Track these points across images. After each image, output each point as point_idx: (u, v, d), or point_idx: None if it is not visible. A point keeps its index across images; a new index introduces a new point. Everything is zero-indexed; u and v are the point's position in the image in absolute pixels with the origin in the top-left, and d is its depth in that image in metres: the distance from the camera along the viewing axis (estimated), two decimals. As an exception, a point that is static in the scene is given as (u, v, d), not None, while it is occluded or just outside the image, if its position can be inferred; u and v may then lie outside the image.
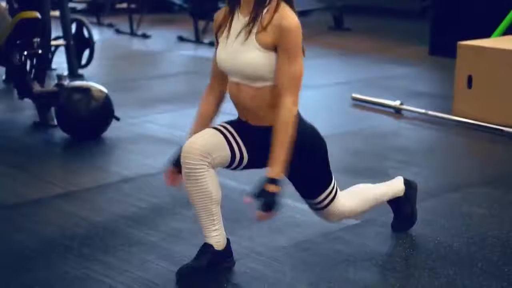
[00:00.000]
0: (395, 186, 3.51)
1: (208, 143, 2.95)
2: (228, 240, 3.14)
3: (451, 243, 3.46)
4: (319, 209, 3.25)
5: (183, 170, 2.97)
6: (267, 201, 2.87)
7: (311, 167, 3.12)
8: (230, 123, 3.10)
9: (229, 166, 3.08)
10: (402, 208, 3.55)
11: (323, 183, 3.18)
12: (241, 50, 2.92)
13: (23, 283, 3.04)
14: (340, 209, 3.27)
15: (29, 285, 3.02)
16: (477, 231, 3.60)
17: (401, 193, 3.52)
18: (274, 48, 2.90)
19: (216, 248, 3.07)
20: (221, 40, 3.02)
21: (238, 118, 3.13)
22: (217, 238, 3.07)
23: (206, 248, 3.07)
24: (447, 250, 3.39)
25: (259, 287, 3.03)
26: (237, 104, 3.08)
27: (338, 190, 3.26)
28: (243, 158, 3.05)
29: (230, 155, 3.01)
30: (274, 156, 2.88)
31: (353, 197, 3.34)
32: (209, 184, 2.97)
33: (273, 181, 2.87)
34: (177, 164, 3.09)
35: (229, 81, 3.06)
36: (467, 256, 3.33)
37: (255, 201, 2.88)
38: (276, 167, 2.88)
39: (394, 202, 3.53)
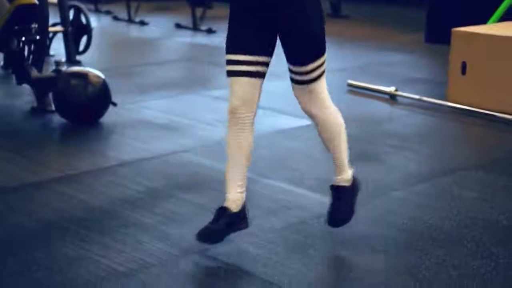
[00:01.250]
0: (348, 166, 3.42)
1: (245, 94, 3.13)
2: (244, 205, 3.26)
3: (441, 225, 3.53)
4: (305, 82, 3.19)
5: (231, 121, 3.16)
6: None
7: (312, 25, 3.11)
8: (232, 45, 3.15)
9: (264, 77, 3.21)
10: (344, 198, 3.42)
11: (318, 48, 3.16)
12: None
13: (21, 263, 3.10)
14: (322, 96, 3.25)
15: (27, 264, 3.08)
16: (467, 214, 3.67)
17: (348, 182, 3.41)
18: None
19: (232, 211, 3.20)
20: None
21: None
22: (238, 195, 3.22)
23: (223, 211, 3.20)
24: (438, 232, 3.46)
25: (253, 267, 3.10)
26: None
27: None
28: (266, 62, 3.16)
29: (261, 80, 3.17)
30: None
31: (335, 110, 3.38)
32: (250, 138, 3.17)
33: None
34: None
35: None
36: (457, 238, 3.39)
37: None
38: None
39: (340, 189, 3.42)
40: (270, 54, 3.17)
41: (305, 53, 3.16)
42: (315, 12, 3.14)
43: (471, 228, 3.50)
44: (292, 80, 3.23)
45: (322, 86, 3.24)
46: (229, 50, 3.16)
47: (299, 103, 3.30)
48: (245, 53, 3.12)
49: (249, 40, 3.12)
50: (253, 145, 3.23)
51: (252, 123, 3.20)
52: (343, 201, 3.41)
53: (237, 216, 3.22)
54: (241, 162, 3.21)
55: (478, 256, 3.21)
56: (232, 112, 3.16)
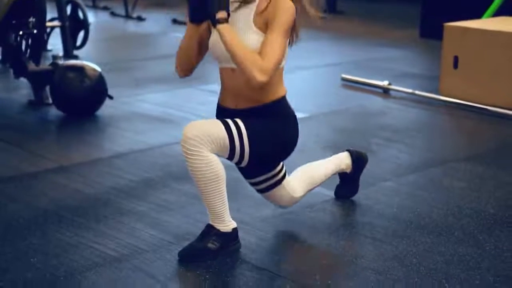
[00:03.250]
0: (342, 162, 3.65)
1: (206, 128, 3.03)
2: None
3: (430, 214, 3.60)
4: (260, 191, 3.36)
5: (185, 159, 3.07)
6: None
7: (267, 137, 3.08)
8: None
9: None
10: (347, 180, 3.73)
11: (265, 161, 3.21)
12: (240, 37, 2.98)
13: (18, 249, 3.17)
14: (286, 193, 3.37)
15: (24, 251, 3.15)
16: (456, 203, 3.74)
17: (349, 169, 3.68)
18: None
19: (222, 231, 3.10)
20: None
21: (220, 109, 3.19)
22: (231, 222, 3.14)
23: (210, 229, 3.11)
24: (426, 221, 3.53)
25: (243, 254, 3.16)
26: (229, 90, 3.13)
27: (285, 179, 3.35)
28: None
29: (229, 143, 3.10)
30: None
31: (298, 181, 3.43)
32: (214, 164, 3.00)
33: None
34: None
35: (222, 68, 3.12)
36: (445, 226, 3.47)
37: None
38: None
39: (341, 174, 3.72)
40: None
41: (252, 169, 3.26)
42: (284, 132, 3.12)
43: (459, 217, 3.57)
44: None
45: (281, 189, 3.35)
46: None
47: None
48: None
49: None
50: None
51: (205, 157, 3.03)
52: (343, 182, 3.76)
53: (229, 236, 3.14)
54: (220, 191, 3.09)
55: (465, 243, 3.29)
56: (182, 142, 3.05)
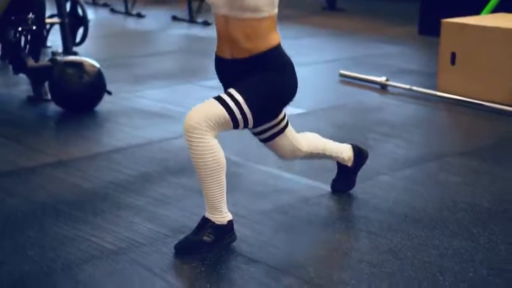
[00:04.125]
0: (344, 152, 3.71)
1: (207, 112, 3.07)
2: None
3: (425, 208, 3.63)
4: (263, 140, 3.36)
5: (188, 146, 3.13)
6: None
7: (264, 92, 3.11)
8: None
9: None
10: (345, 174, 3.77)
11: (268, 114, 3.23)
12: None
13: (16, 242, 3.20)
14: (288, 143, 3.38)
15: (22, 244, 3.18)
16: (451, 198, 3.76)
17: (349, 163, 3.74)
18: None
19: (218, 223, 3.13)
20: None
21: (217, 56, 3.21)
22: (227, 214, 3.16)
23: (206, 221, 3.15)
24: (421, 215, 3.55)
25: (239, 247, 3.19)
26: (224, 39, 3.14)
27: (288, 128, 3.37)
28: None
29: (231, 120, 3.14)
30: None
31: (307, 139, 3.49)
32: (216, 152, 3.05)
33: None
34: None
35: (217, 15, 3.12)
36: (439, 220, 3.49)
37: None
38: None
39: (340, 166, 3.76)
40: None
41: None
42: (283, 80, 3.14)
43: (454, 211, 3.59)
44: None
45: (284, 139, 3.37)
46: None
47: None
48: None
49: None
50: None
51: (207, 144, 3.07)
52: (340, 176, 3.78)
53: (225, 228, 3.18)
54: (219, 180, 3.14)
55: (459, 237, 3.31)
56: (185, 132, 3.08)
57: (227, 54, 3.16)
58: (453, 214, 3.56)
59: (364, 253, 3.15)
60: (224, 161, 3.06)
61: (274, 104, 3.19)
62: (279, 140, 3.38)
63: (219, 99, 3.06)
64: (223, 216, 3.13)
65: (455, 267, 3.01)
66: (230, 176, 4.00)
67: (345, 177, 3.78)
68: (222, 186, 3.09)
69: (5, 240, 3.23)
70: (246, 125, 3.10)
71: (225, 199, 3.13)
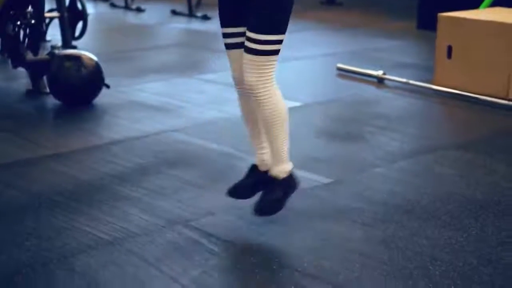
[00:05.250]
0: (286, 159, 3.34)
1: (239, 66, 3.25)
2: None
3: (419, 200, 3.66)
4: (255, 51, 3.15)
5: (237, 93, 3.36)
6: None
7: (278, 2, 3.13)
8: (222, 20, 3.31)
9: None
10: (277, 190, 3.34)
11: (277, 23, 3.16)
12: None
13: (13, 233, 3.24)
14: (268, 72, 3.18)
15: (19, 234, 3.23)
16: (444, 190, 3.80)
17: (283, 175, 3.33)
18: None
19: (260, 168, 3.40)
20: None
21: None
22: (261, 156, 3.39)
23: (252, 168, 3.43)
24: (415, 206, 3.59)
25: (234, 237, 3.23)
26: None
27: (276, 60, 3.23)
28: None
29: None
30: None
31: (279, 97, 3.24)
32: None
33: None
34: None
35: None
36: (432, 211, 3.53)
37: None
38: None
39: (276, 180, 3.34)
40: None
41: (265, 21, 3.13)
42: None
43: (447, 202, 3.63)
44: (246, 49, 3.18)
45: (270, 65, 3.19)
46: (221, 24, 3.34)
47: (244, 75, 3.20)
48: (230, 26, 3.28)
49: (231, 12, 3.27)
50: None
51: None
52: (272, 190, 3.34)
53: (263, 177, 3.39)
54: (255, 130, 3.39)
55: (451, 228, 3.35)
56: (235, 82, 3.35)
57: None
58: (446, 205, 3.60)
59: (357, 243, 3.19)
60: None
61: (285, 15, 3.18)
62: (266, 60, 3.16)
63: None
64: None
65: (446, 257, 3.05)
66: (225, 167, 4.06)
67: (276, 191, 3.34)
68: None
69: (2, 230, 3.28)
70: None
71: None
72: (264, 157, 3.41)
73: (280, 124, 3.25)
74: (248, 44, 3.17)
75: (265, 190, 3.35)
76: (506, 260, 3.04)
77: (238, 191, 3.44)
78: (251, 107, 3.32)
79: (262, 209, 3.31)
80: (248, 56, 3.17)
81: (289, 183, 3.36)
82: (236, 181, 3.45)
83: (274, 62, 3.20)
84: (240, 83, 3.32)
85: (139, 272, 2.93)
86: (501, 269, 2.97)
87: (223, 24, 3.32)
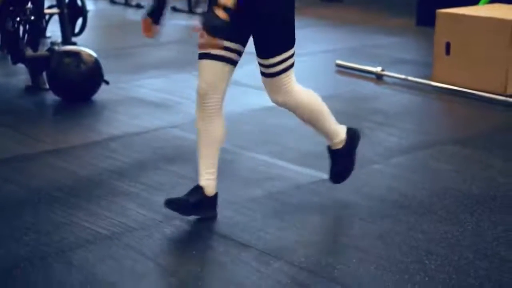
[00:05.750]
0: (338, 129, 3.56)
1: (212, 78, 3.21)
2: (216, 194, 3.35)
3: (415, 195, 3.68)
4: (270, 75, 3.28)
5: (199, 108, 3.26)
6: (213, 21, 2.97)
7: (277, 18, 3.18)
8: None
9: (235, 65, 3.28)
10: (340, 159, 3.59)
11: (284, 42, 3.24)
12: None
13: (12, 227, 3.27)
14: (289, 87, 3.32)
15: (17, 229, 3.25)
16: (441, 184, 3.82)
17: (341, 145, 3.56)
18: None
19: (205, 191, 3.30)
20: None
21: None
22: (209, 181, 3.31)
23: (197, 188, 3.31)
24: (411, 201, 3.61)
25: (232, 232, 3.25)
26: None
27: (293, 69, 3.33)
28: (238, 51, 3.25)
29: (230, 65, 3.24)
30: None
31: (307, 93, 3.42)
32: (217, 125, 3.27)
33: (222, 6, 2.98)
34: (152, 15, 3.33)
35: None
36: (429, 206, 3.55)
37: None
38: None
39: (334, 152, 3.59)
40: (243, 43, 3.26)
41: (270, 46, 3.24)
42: (286, 7, 3.20)
43: (443, 197, 3.65)
44: (263, 74, 3.31)
45: (287, 79, 3.32)
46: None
47: (268, 94, 3.38)
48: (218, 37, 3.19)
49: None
50: (224, 128, 3.32)
51: (220, 108, 3.27)
52: (339, 160, 3.61)
53: (208, 200, 3.32)
54: (212, 152, 3.30)
55: (447, 222, 3.37)
56: (201, 96, 3.23)
57: None
58: (442, 200, 3.62)
59: (354, 238, 3.22)
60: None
61: (291, 28, 3.23)
62: (283, 78, 3.30)
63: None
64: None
65: (442, 252, 3.07)
66: (223, 163, 4.06)
67: (340, 161, 3.61)
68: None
69: (1, 225, 3.30)
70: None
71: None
72: (209, 183, 3.32)
73: (320, 112, 3.51)
74: (263, 69, 3.29)
75: (333, 161, 3.61)
76: (502, 255, 3.06)
77: (176, 204, 3.28)
78: (210, 129, 3.25)
79: (338, 178, 3.64)
80: (267, 80, 3.31)
81: (349, 144, 3.60)
82: (181, 196, 3.34)
83: (292, 73, 3.32)
84: (205, 97, 3.22)
85: (136, 266, 2.95)
86: (497, 263, 2.99)
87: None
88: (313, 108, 3.46)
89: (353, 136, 3.63)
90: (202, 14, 3.09)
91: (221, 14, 2.98)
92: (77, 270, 2.92)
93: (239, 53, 3.27)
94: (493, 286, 2.82)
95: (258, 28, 3.23)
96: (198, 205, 3.29)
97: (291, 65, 3.31)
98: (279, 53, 3.24)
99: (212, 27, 2.97)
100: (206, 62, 3.22)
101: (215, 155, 3.32)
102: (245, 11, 3.16)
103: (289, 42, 3.25)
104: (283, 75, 3.29)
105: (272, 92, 3.36)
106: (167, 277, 2.88)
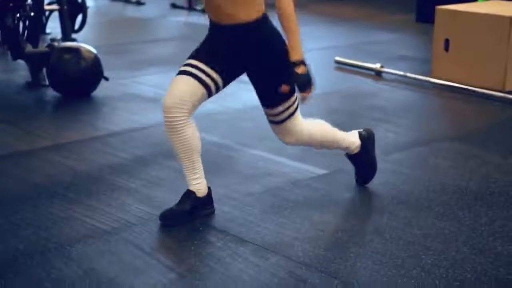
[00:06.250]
0: (351, 139, 3.65)
1: (183, 92, 3.17)
2: (209, 189, 3.37)
3: (413, 190, 3.70)
4: (276, 122, 3.36)
5: (165, 123, 3.20)
6: (303, 80, 3.18)
7: (276, 69, 3.25)
8: (198, 54, 3.28)
9: (209, 97, 3.27)
10: (361, 161, 3.70)
11: (286, 92, 3.30)
12: None
13: (11, 222, 3.29)
14: (298, 128, 3.40)
15: (17, 223, 3.27)
16: (438, 180, 3.84)
17: (357, 149, 3.66)
18: None
19: (197, 195, 3.31)
20: None
21: (209, 27, 3.33)
22: (198, 186, 3.32)
23: (188, 194, 3.32)
24: (408, 197, 3.63)
25: (230, 227, 3.27)
26: (208, 3, 3.26)
27: (299, 111, 3.39)
28: (218, 85, 3.25)
29: (206, 92, 3.22)
30: (291, 43, 3.19)
31: (314, 125, 3.49)
32: (190, 135, 3.21)
33: (300, 62, 3.18)
34: None
35: None
36: (426, 202, 3.57)
37: (293, 85, 3.24)
38: (297, 51, 3.19)
39: (353, 157, 3.69)
40: (226, 80, 3.27)
41: (271, 97, 3.31)
42: (282, 58, 3.23)
43: (440, 193, 3.67)
44: (271, 121, 3.40)
45: (295, 122, 3.39)
46: (190, 57, 3.29)
47: (279, 138, 3.48)
48: (204, 63, 3.22)
49: (215, 56, 3.23)
50: (197, 133, 3.26)
51: (185, 125, 3.19)
52: (361, 163, 3.70)
53: (202, 201, 3.33)
54: (193, 158, 3.27)
55: (444, 218, 3.39)
56: (165, 111, 3.16)
57: (215, 19, 3.28)
58: (440, 196, 3.64)
59: (351, 233, 3.23)
60: None
61: (291, 77, 3.26)
62: (290, 122, 3.37)
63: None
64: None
65: (438, 247, 3.09)
66: (222, 159, 4.10)
67: (362, 162, 3.71)
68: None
69: (1, 220, 3.31)
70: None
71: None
72: (199, 186, 3.33)
73: (332, 138, 3.56)
74: (270, 118, 3.38)
75: (355, 165, 3.72)
76: (498, 249, 3.08)
77: (173, 216, 3.29)
78: (182, 139, 3.21)
79: (365, 179, 3.73)
80: (276, 127, 3.40)
81: (365, 145, 3.67)
82: (172, 206, 3.33)
83: (298, 115, 3.38)
84: (169, 112, 3.16)
85: (135, 261, 2.97)
86: (493, 258, 3.00)
87: (199, 58, 3.24)
88: (324, 139, 3.55)
89: (366, 137, 3.72)
90: (293, 81, 3.21)
91: (301, 69, 3.17)
92: (76, 264, 2.93)
93: (218, 89, 3.27)
94: (489, 281, 2.84)
95: (261, 81, 3.32)
96: (194, 209, 3.30)
97: (296, 108, 3.38)
98: (283, 102, 3.32)
99: (303, 85, 3.20)
100: (183, 78, 3.20)
101: (197, 159, 3.29)
102: (246, 60, 3.25)
103: (291, 91, 3.32)
104: (289, 120, 3.38)
105: (282, 136, 3.45)
106: (166, 272, 2.89)
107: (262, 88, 3.34)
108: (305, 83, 3.19)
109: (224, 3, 3.18)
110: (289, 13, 3.17)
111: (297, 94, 3.33)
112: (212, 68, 3.22)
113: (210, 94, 3.25)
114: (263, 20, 3.24)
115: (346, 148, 3.65)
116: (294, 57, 3.18)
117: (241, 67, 3.30)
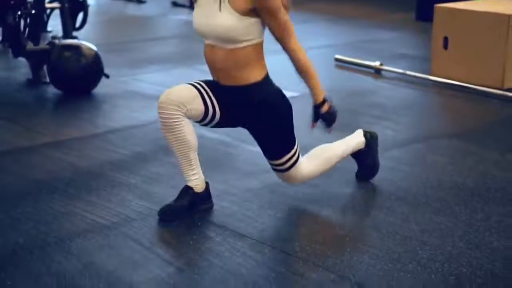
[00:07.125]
0: (355, 141, 3.70)
1: (183, 95, 3.20)
2: (207, 184, 3.41)
3: (410, 187, 3.73)
4: (280, 171, 3.45)
5: (160, 120, 3.23)
6: (329, 118, 3.37)
7: (277, 127, 3.34)
8: (206, 82, 3.34)
9: (201, 121, 3.31)
10: (364, 159, 3.76)
11: (287, 145, 3.39)
12: (215, 14, 3.14)
13: (11, 217, 3.32)
14: (300, 173, 3.47)
15: (17, 218, 3.30)
16: (436, 177, 3.86)
17: (362, 146, 3.72)
18: (250, 12, 3.12)
19: (195, 191, 3.34)
20: (198, 4, 3.24)
21: (213, 79, 3.37)
22: (196, 181, 3.35)
23: (186, 190, 3.35)
24: (406, 193, 3.65)
25: (229, 222, 3.30)
26: (211, 65, 3.31)
27: (300, 155, 3.46)
28: (215, 114, 3.30)
29: (203, 110, 3.26)
30: (312, 86, 3.31)
31: (313, 160, 3.54)
32: (186, 132, 3.24)
33: (323, 102, 3.32)
34: None
35: (205, 43, 3.29)
36: (423, 198, 3.59)
37: (320, 123, 3.41)
38: (318, 95, 3.32)
39: (356, 154, 3.74)
40: (222, 118, 3.31)
41: (274, 151, 3.39)
42: (283, 112, 3.32)
43: (438, 189, 3.70)
44: (275, 170, 3.47)
45: (298, 168, 3.44)
46: (199, 80, 3.34)
47: (287, 183, 3.55)
48: (211, 90, 3.27)
49: (219, 98, 3.28)
50: (193, 130, 3.29)
51: (180, 122, 3.21)
52: (362, 163, 3.77)
53: (200, 196, 3.36)
54: (190, 156, 3.30)
55: (441, 213, 3.41)
56: (160, 107, 3.21)
57: (215, 78, 3.33)
58: (437, 192, 3.66)
59: (348, 229, 3.26)
60: None
61: (291, 130, 3.38)
62: (294, 169, 3.44)
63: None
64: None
65: (435, 242, 3.12)
66: (221, 155, 4.12)
67: (366, 158, 3.76)
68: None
69: (1, 214, 3.34)
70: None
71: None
72: (197, 181, 3.35)
73: (336, 159, 3.62)
74: (274, 167, 3.44)
75: (358, 161, 3.77)
76: (494, 245, 3.11)
77: (172, 211, 3.32)
78: (177, 136, 3.24)
79: (368, 175, 3.78)
80: (281, 175, 3.47)
81: (369, 142, 3.74)
82: (170, 202, 3.36)
83: (299, 161, 3.44)
84: (164, 108, 3.20)
85: (135, 255, 3.00)
86: (489, 253, 3.03)
87: (207, 84, 3.30)
88: (328, 166, 3.61)
89: (370, 136, 3.77)
90: (320, 119, 3.39)
91: (325, 108, 3.34)
92: (76, 258, 2.96)
93: (213, 119, 3.31)
94: (485, 275, 2.86)
95: (262, 138, 3.38)
96: (192, 204, 3.34)
97: (298, 157, 3.44)
98: (286, 154, 3.39)
99: (329, 123, 3.40)
100: (189, 86, 3.25)
101: (194, 156, 3.31)
102: (244, 119, 3.33)
103: (292, 143, 3.40)
104: (293, 168, 3.43)
105: (287, 180, 3.52)
106: (165, 266, 2.92)
107: (263, 144, 3.41)
108: (331, 120, 3.38)
109: (227, 67, 3.22)
110: (303, 64, 3.29)
111: (297, 147, 3.43)
112: (216, 100, 3.28)
113: (205, 116, 3.27)
114: (264, 82, 3.28)
115: (353, 149, 3.72)
116: (317, 101, 3.32)
117: (240, 123, 3.39)
